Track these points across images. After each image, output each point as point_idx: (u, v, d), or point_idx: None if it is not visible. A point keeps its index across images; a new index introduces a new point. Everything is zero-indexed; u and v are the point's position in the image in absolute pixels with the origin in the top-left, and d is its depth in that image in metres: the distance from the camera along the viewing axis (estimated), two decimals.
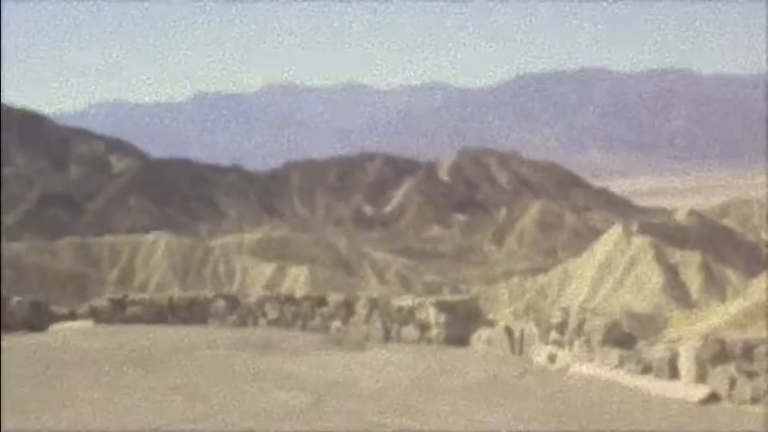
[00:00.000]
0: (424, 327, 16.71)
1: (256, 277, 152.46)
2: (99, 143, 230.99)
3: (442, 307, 16.65)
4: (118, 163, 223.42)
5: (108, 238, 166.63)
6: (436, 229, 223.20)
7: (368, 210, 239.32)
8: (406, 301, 17.29)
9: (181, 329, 18.83)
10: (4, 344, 17.86)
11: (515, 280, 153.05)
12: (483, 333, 16.08)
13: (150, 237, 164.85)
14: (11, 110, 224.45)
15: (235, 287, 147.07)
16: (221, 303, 19.36)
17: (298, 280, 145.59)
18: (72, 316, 20.62)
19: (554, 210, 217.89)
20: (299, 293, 19.57)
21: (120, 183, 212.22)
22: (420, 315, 16.81)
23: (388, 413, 11.45)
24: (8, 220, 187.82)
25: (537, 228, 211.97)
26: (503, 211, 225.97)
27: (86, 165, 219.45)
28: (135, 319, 19.85)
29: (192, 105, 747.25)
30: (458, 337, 16.38)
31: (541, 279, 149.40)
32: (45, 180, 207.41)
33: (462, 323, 16.52)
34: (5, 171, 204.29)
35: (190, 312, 19.70)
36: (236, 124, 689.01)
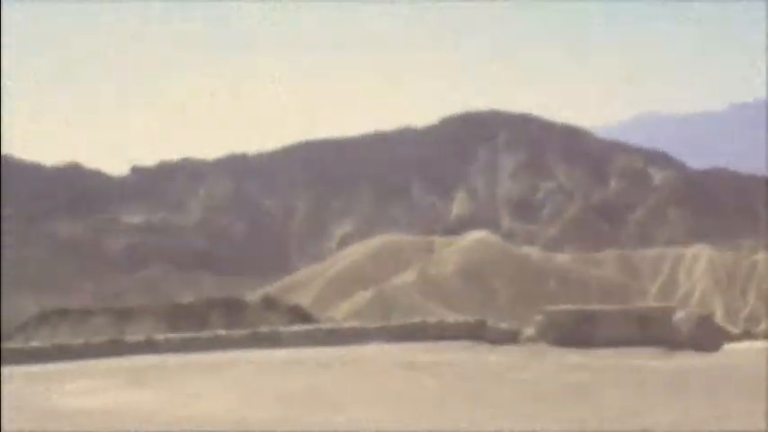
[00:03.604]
0: None
1: None
2: (637, 155, 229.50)
3: None
4: (657, 174, 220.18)
5: (649, 251, 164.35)
6: None
7: None
8: None
9: None
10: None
11: None
12: None
13: (692, 250, 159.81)
14: (553, 125, 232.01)
15: None
16: None
17: None
18: (748, 335, 17.71)
19: None
20: None
21: (660, 195, 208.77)
22: None
23: None
24: (551, 231, 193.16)
25: None
26: None
27: (626, 177, 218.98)
28: None
29: (729, 114, 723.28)
30: None
31: None
32: (585, 192, 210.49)
33: None
34: (549, 185, 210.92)
35: None
36: None
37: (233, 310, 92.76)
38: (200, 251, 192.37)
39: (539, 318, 18.76)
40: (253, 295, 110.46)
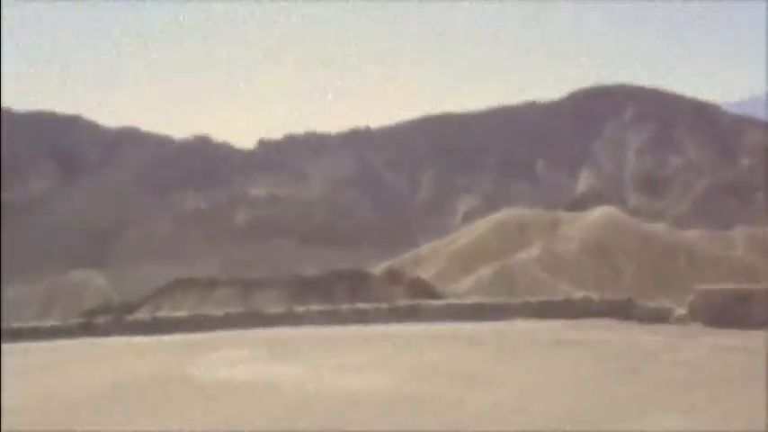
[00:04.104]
0: None
1: None
2: None
3: None
4: None
5: None
6: None
7: None
8: None
9: None
10: None
11: None
12: None
13: None
14: (682, 99, 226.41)
15: None
16: None
17: None
18: None
19: None
20: None
21: None
22: None
23: None
24: (679, 208, 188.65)
25: None
26: None
27: (757, 153, 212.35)
28: None
29: None
30: None
31: None
32: (714, 168, 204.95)
33: None
34: (677, 161, 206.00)
35: None
36: None
37: (357, 282, 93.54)
38: (323, 224, 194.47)
39: (691, 297, 17.93)
40: (376, 269, 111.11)
